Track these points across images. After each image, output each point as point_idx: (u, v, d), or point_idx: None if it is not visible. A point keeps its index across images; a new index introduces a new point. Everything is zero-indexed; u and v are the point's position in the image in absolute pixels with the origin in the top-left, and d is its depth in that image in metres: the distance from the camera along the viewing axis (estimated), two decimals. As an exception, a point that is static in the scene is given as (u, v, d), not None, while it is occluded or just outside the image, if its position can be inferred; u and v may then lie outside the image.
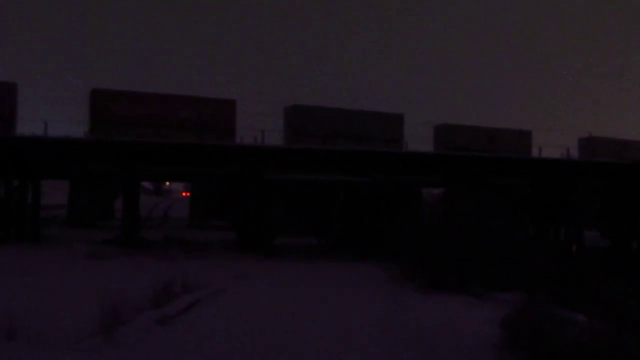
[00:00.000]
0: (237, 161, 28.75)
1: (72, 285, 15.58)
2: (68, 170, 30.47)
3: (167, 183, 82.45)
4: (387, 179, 29.03)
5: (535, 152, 32.80)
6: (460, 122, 32.61)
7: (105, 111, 25.41)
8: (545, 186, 32.97)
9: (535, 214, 32.62)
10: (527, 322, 9.72)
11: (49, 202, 48.22)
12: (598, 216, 41.23)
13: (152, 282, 14.90)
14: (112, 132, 25.60)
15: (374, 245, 26.66)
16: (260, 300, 14.65)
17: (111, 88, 26.73)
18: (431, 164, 31.43)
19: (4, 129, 25.10)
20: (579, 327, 9.41)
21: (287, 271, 20.61)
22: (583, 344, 8.49)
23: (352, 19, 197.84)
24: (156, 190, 78.36)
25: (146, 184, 79.32)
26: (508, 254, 18.03)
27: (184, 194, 70.63)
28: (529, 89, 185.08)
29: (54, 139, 26.94)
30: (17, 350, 9.05)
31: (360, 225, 29.15)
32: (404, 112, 29.42)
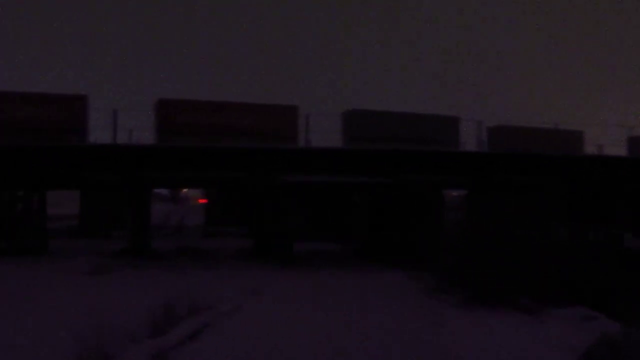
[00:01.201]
0: (249, 164, 26.53)
1: (59, 309, 13.35)
2: (72, 179, 28.35)
3: (184, 190, 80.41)
4: (414, 180, 26.67)
5: (590, 151, 31.23)
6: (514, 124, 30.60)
7: (170, 121, 24.94)
8: (584, 184, 30.28)
9: (573, 214, 29.95)
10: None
11: (62, 212, 46.46)
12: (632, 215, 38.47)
13: (156, 301, 12.80)
14: (177, 142, 25.32)
15: (400, 251, 24.31)
16: (276, 324, 12.36)
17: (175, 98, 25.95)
18: (460, 163, 28.95)
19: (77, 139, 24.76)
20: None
21: (307, 283, 18.30)
22: None
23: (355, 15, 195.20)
24: (172, 197, 76.24)
25: (162, 191, 77.42)
26: (560, 261, 15.61)
27: (200, 200, 68.57)
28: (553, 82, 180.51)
29: (58, 147, 25.02)
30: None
31: (385, 229, 26.76)
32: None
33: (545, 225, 24.79)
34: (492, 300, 14.82)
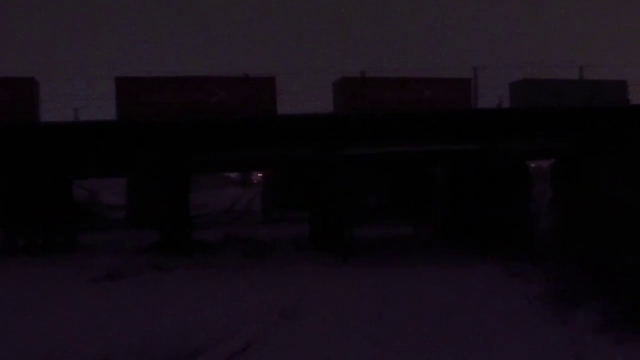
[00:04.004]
0: (303, 137, 21.16)
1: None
2: (105, 162, 23.83)
3: (258, 174, 76.03)
4: (507, 148, 20.55)
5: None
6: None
7: (134, 100, 20.75)
8: None
9: None
10: None
11: (114, 202, 42.83)
12: None
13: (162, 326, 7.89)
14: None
15: (493, 236, 18.39)
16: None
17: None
18: (554, 124, 22.42)
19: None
20: None
21: (368, 291, 12.67)
22: None
23: None
24: (243, 180, 71.93)
25: (232, 175, 73.59)
26: None
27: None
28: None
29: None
30: None
31: (470, 208, 20.69)
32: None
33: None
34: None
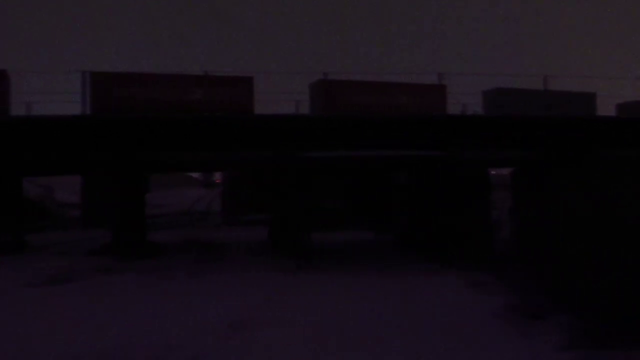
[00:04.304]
0: (262, 138, 20.50)
1: None
2: (57, 160, 22.72)
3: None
4: (469, 155, 20.21)
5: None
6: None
7: (108, 96, 20.31)
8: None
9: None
10: None
11: (70, 200, 41.41)
12: None
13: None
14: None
15: (453, 244, 18.00)
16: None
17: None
18: (519, 131, 22.19)
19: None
20: None
21: (324, 301, 12.05)
22: None
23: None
24: (206, 181, 70.57)
25: (195, 175, 72.27)
26: None
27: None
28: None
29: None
30: None
31: (432, 216, 20.29)
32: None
33: None
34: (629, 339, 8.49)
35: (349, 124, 20.59)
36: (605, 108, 26.18)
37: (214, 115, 20.60)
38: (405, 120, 20.85)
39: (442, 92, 23.31)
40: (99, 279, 15.02)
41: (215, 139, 20.58)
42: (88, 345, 8.73)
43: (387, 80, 23.77)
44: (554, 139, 21.65)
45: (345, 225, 27.47)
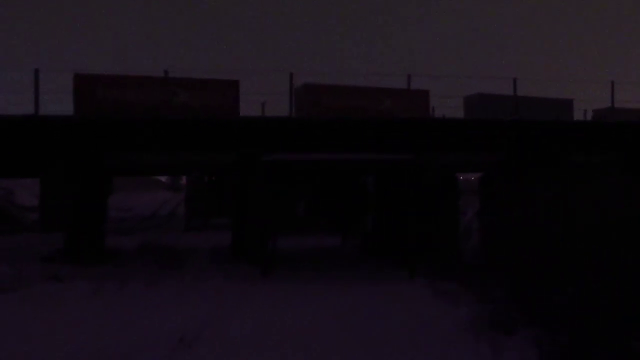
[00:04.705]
0: (226, 141, 19.73)
1: None
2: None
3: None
4: (439, 158, 19.70)
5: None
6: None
7: (91, 97, 19.75)
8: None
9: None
10: None
11: (31, 203, 39.89)
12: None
13: None
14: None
15: (420, 250, 17.35)
16: None
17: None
18: (490, 135, 21.70)
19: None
20: None
21: (284, 313, 11.29)
22: None
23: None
24: (173, 184, 69.11)
25: (162, 178, 70.90)
26: None
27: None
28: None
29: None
30: None
31: (398, 221, 19.62)
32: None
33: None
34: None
35: (313, 126, 19.93)
36: (581, 114, 26.44)
37: (173, 116, 19.81)
38: (371, 123, 20.25)
39: (426, 96, 23.17)
40: (44, 288, 14.00)
41: (176, 140, 19.75)
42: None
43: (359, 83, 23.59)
44: (523, 143, 21.24)
45: (312, 230, 26.70)
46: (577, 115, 26.05)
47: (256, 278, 15.48)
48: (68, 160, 19.54)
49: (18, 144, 19.29)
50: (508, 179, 21.91)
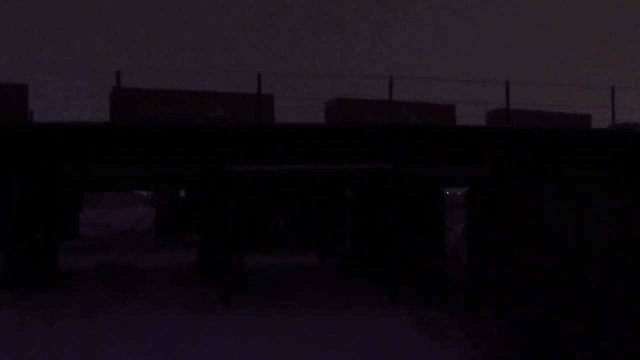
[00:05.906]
0: (186, 151, 17.60)
1: None
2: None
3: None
4: (423, 169, 17.73)
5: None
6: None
7: (129, 112, 18.35)
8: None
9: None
10: None
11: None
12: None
13: None
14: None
15: (403, 271, 15.33)
16: None
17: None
18: (479, 146, 19.76)
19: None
20: None
21: (248, 350, 9.24)
22: None
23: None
24: (153, 199, 66.71)
25: (144, 193, 68.53)
26: None
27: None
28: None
29: None
30: None
31: (379, 238, 17.58)
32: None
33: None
34: None
35: (283, 135, 17.84)
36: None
37: (133, 124, 17.67)
38: (348, 129, 18.19)
39: (452, 112, 21.82)
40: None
41: (137, 151, 17.56)
42: None
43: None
44: (512, 155, 19.31)
45: (287, 248, 24.70)
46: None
47: (215, 306, 13.36)
48: (5, 170, 17.26)
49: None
50: (497, 192, 19.97)
